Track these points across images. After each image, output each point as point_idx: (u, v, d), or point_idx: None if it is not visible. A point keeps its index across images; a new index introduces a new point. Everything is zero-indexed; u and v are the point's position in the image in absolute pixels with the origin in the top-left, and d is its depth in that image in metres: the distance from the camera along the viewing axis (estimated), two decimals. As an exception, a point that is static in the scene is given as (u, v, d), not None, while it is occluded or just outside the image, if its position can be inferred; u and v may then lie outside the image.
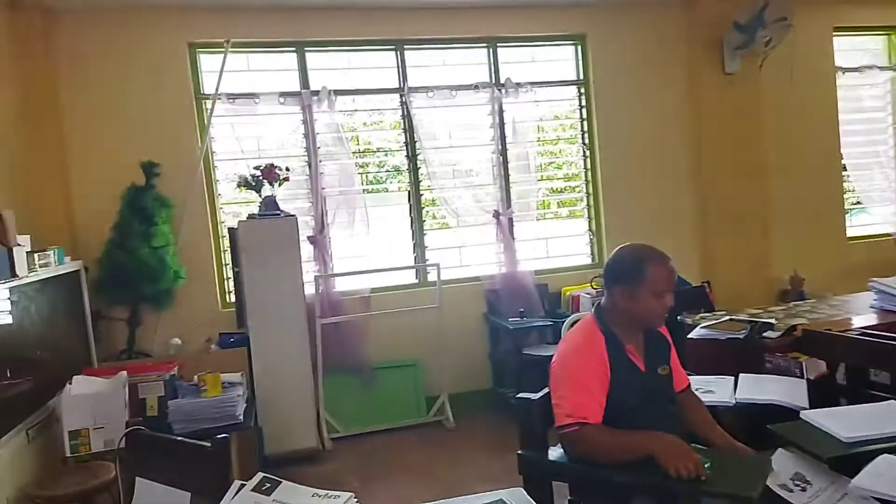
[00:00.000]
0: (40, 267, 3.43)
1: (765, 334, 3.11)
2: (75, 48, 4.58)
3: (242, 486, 1.68)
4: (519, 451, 2.15)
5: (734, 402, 2.53)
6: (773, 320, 3.27)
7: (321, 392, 4.62)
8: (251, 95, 4.89)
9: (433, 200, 5.34)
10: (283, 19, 4.88)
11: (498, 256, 5.35)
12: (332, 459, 4.41)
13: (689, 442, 2.03)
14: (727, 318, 3.45)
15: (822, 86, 5.95)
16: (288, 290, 4.33)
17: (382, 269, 5.16)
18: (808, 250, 5.73)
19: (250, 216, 4.48)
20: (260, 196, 4.49)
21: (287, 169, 4.61)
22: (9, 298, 3.19)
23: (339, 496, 1.67)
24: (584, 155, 5.61)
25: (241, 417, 3.26)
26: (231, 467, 2.02)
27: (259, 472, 1.73)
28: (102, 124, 4.63)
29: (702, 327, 3.34)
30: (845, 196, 6.19)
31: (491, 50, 5.36)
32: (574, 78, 5.59)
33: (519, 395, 2.25)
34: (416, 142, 5.21)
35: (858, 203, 6.33)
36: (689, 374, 2.49)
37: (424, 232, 5.31)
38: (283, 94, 4.94)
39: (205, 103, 4.85)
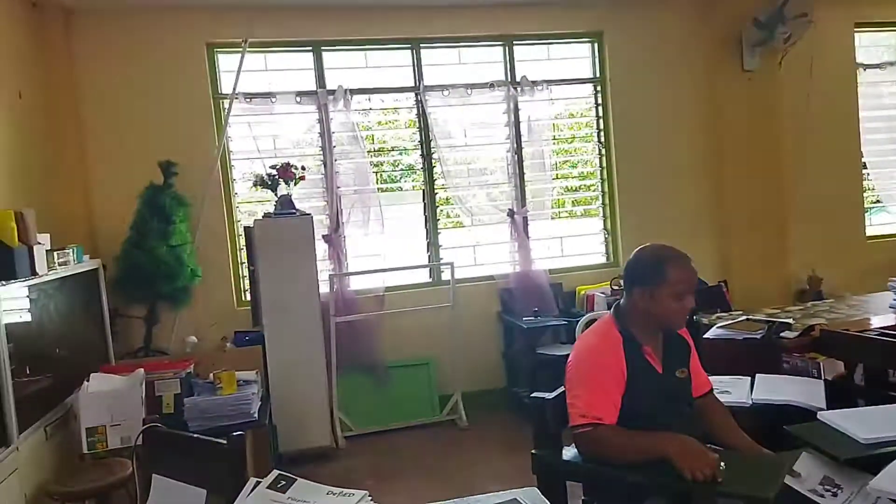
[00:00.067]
0: (59, 265, 3.47)
1: (782, 334, 3.09)
2: (95, 48, 4.64)
3: (258, 483, 1.69)
4: (533, 451, 2.14)
5: (751, 402, 2.51)
6: (790, 320, 3.24)
7: (335, 390, 4.63)
8: (268, 95, 4.92)
9: (447, 199, 5.34)
10: (300, 19, 4.91)
11: (512, 255, 5.34)
12: (346, 458, 4.42)
13: (705, 443, 2.01)
14: (744, 317, 3.43)
15: (842, 83, 5.87)
16: (303, 289, 4.35)
17: (397, 268, 5.17)
18: (827, 249, 5.66)
19: (266, 215, 4.50)
20: (276, 195, 4.52)
21: (303, 168, 4.63)
22: (28, 296, 3.23)
23: (353, 494, 1.67)
24: (600, 153, 5.59)
25: (256, 415, 3.28)
26: (246, 465, 2.03)
27: (274, 470, 1.74)
28: (121, 124, 4.68)
29: (718, 327, 3.32)
30: (865, 194, 6.11)
31: (507, 48, 5.35)
32: (590, 76, 5.56)
33: (533, 395, 2.25)
34: (430, 140, 5.21)
35: (878, 202, 6.25)
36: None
37: (439, 231, 5.31)
38: (299, 94, 4.97)
39: (222, 103, 4.88)
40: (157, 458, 2.05)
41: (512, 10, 5.21)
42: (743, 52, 5.42)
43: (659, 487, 1.94)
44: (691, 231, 5.39)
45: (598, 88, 5.55)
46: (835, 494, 1.82)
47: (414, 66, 5.21)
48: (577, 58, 5.58)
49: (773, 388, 2.58)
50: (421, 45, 5.21)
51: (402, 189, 5.49)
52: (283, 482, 1.70)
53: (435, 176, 5.27)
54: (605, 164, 5.57)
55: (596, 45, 5.54)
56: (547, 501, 1.73)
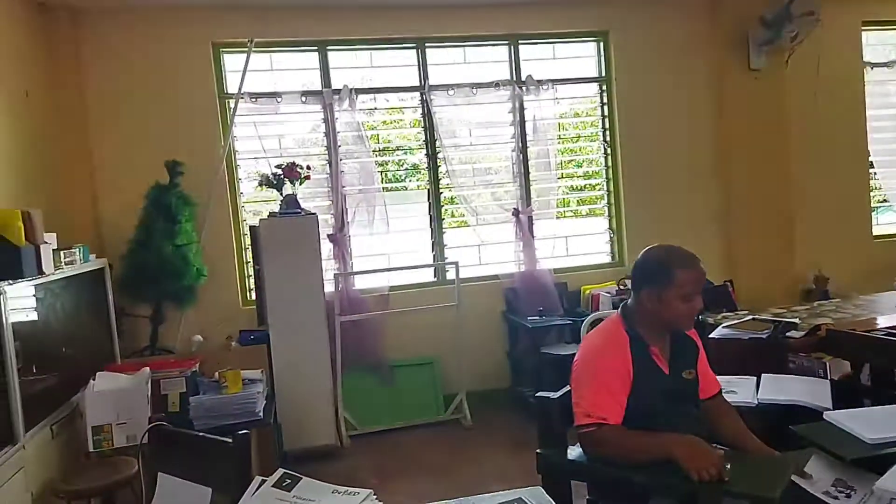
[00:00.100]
0: (66, 264, 3.48)
1: (788, 334, 3.08)
2: (101, 48, 4.65)
3: (263, 482, 1.70)
4: (538, 450, 2.14)
5: (756, 402, 2.50)
6: (796, 320, 3.24)
7: (340, 389, 4.64)
8: (273, 94, 4.93)
9: (452, 199, 5.34)
10: (306, 18, 4.91)
11: (517, 255, 5.34)
12: (351, 456, 4.43)
13: (710, 443, 2.00)
14: (750, 317, 3.43)
15: (849, 81, 5.84)
16: (308, 288, 4.35)
17: (401, 268, 5.17)
18: (833, 249, 5.64)
19: (271, 214, 4.52)
20: (281, 194, 4.53)
21: (308, 167, 4.63)
22: (35, 295, 3.25)
23: (357, 493, 1.67)
24: (605, 153, 5.58)
25: (261, 414, 3.28)
26: (251, 463, 2.03)
27: (279, 469, 1.74)
28: (127, 123, 4.70)
29: (724, 327, 3.31)
30: (872, 194, 6.09)
31: (512, 47, 5.35)
32: (596, 75, 5.55)
33: (538, 394, 2.24)
34: (436, 140, 5.21)
35: (885, 201, 6.21)
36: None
37: (443, 230, 5.31)
38: (304, 93, 4.98)
39: (228, 102, 4.89)
40: (163, 457, 2.06)
41: (517, 9, 5.20)
42: (749, 51, 5.40)
43: (664, 487, 1.93)
44: (696, 230, 5.36)
45: (604, 88, 5.54)
46: (848, 496, 1.80)
47: (419, 65, 5.21)
48: (582, 57, 5.57)
49: (779, 388, 2.57)
50: (426, 44, 5.21)
51: (406, 188, 5.49)
52: (289, 481, 1.70)
53: (440, 175, 5.27)
54: (610, 164, 5.56)
55: (601, 44, 5.53)
56: (552, 501, 1.73)
